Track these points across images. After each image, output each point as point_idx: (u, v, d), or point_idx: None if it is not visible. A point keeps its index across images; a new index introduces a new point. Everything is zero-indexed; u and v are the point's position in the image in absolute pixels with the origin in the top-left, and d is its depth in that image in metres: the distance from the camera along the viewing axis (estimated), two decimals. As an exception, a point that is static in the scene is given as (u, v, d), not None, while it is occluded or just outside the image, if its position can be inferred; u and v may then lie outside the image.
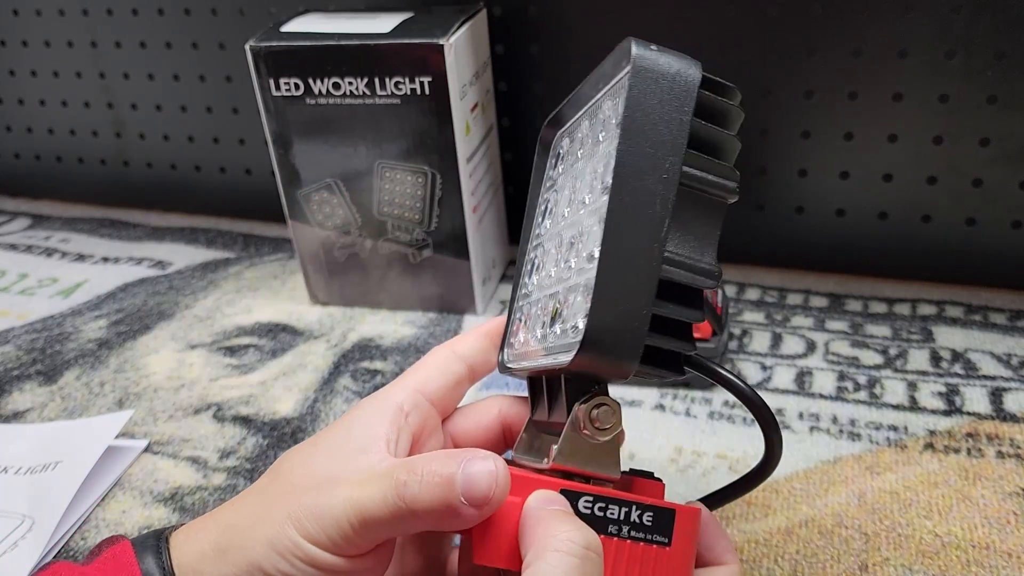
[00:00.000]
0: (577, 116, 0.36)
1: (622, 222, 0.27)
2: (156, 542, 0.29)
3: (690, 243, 0.29)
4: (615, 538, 0.29)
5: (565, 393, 0.30)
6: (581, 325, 0.28)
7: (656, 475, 0.33)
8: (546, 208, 0.37)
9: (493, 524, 0.28)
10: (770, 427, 0.31)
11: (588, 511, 0.29)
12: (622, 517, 0.29)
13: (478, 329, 0.36)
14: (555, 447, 0.30)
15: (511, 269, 0.69)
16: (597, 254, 0.28)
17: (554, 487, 0.29)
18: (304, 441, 0.32)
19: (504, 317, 0.37)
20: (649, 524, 0.30)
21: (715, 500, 0.35)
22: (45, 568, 0.30)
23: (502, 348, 0.36)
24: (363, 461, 0.30)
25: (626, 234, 0.27)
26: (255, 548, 0.28)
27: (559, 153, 0.37)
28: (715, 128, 0.29)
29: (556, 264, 0.33)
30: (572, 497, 0.29)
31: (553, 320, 0.32)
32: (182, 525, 0.31)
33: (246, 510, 0.30)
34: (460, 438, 0.35)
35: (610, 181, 0.27)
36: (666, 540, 0.30)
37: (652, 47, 0.28)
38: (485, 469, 0.27)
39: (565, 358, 0.28)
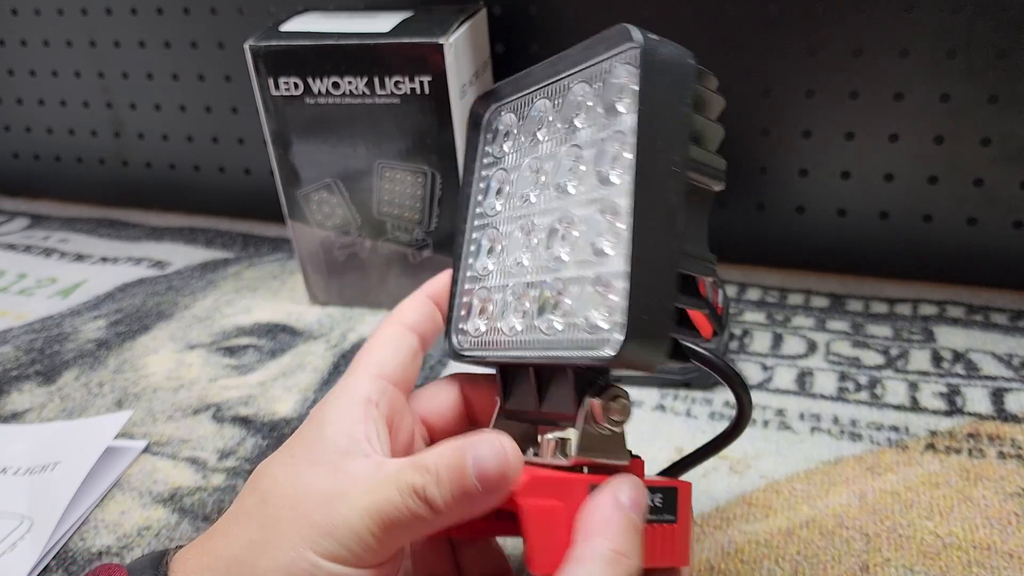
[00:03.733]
0: (524, 94, 0.35)
1: (647, 217, 0.27)
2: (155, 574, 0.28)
3: (692, 234, 0.29)
4: None
5: (575, 386, 0.30)
6: (603, 323, 0.29)
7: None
8: (489, 187, 0.36)
9: (545, 533, 0.28)
10: (736, 385, 0.32)
11: None
12: None
13: (419, 294, 0.36)
14: (572, 441, 0.30)
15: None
16: (608, 249, 0.29)
17: (582, 484, 0.29)
18: (278, 450, 0.31)
19: (442, 278, 0.37)
20: (660, 505, 0.31)
21: (679, 468, 0.36)
22: None
23: (449, 333, 0.36)
24: (354, 466, 0.29)
25: (652, 229, 0.27)
26: None
27: (499, 129, 0.36)
28: (703, 118, 0.29)
29: (530, 251, 0.33)
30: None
31: (542, 311, 0.31)
32: (178, 549, 0.30)
33: (245, 539, 0.28)
34: (427, 417, 0.35)
35: (615, 174, 0.28)
36: (673, 517, 0.31)
37: (650, 35, 0.28)
38: (493, 452, 0.27)
39: (589, 353, 0.28)
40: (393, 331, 0.34)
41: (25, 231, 0.82)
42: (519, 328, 0.33)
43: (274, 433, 0.51)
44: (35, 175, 0.88)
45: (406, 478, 0.27)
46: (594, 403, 0.30)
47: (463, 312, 0.36)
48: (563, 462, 0.30)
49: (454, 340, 0.36)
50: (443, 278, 0.37)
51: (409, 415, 0.34)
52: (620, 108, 0.30)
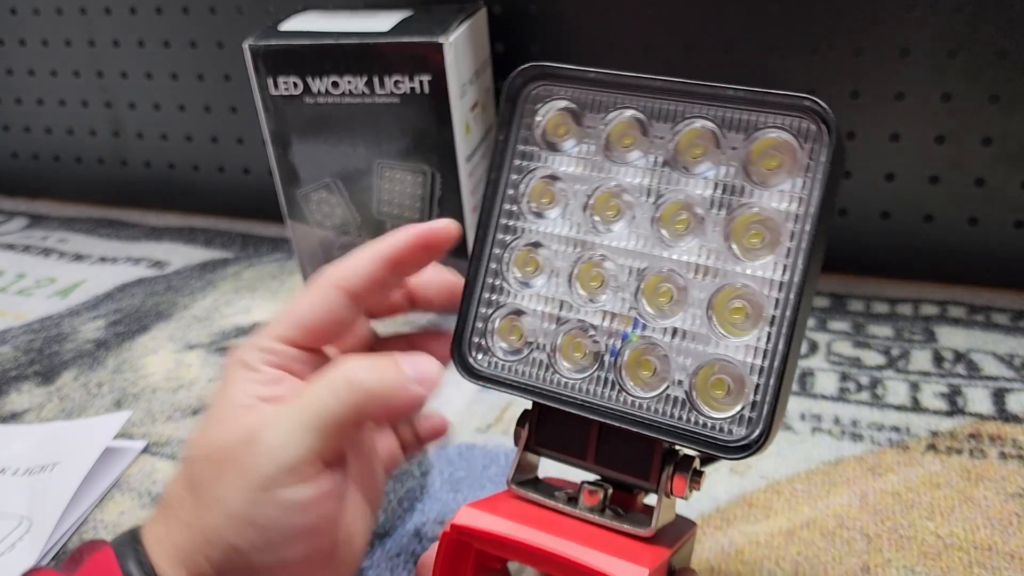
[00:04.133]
0: (598, 90, 0.30)
1: (802, 314, 0.27)
2: (134, 545, 0.29)
3: None
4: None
5: (657, 458, 0.29)
6: (728, 412, 0.28)
7: None
8: (526, 185, 0.32)
9: None
10: None
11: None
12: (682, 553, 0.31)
13: (367, 251, 0.33)
14: (654, 516, 0.29)
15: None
16: (748, 337, 0.28)
17: (665, 562, 0.29)
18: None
19: (395, 237, 0.32)
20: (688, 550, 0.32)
21: None
22: (27, 573, 0.29)
23: (461, 346, 0.32)
24: (261, 407, 0.30)
25: (801, 325, 0.27)
26: (223, 532, 0.28)
27: (544, 116, 0.31)
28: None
29: (608, 292, 0.30)
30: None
31: (621, 366, 0.30)
32: (149, 522, 0.30)
33: (189, 505, 0.29)
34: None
35: (761, 261, 0.27)
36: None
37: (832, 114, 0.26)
38: (426, 359, 0.30)
39: (708, 439, 0.28)
40: (320, 290, 0.32)
41: (24, 231, 0.82)
42: (581, 375, 0.30)
43: (273, 433, 0.51)
44: (34, 175, 0.88)
45: (333, 375, 0.28)
46: (678, 477, 0.29)
47: (480, 324, 0.32)
48: (643, 533, 0.29)
49: (469, 357, 0.32)
50: (397, 237, 0.33)
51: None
52: (773, 183, 0.28)
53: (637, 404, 0.29)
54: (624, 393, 0.29)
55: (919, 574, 0.38)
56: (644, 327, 0.29)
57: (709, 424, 0.28)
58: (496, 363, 0.32)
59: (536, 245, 0.32)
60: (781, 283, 0.27)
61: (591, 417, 0.29)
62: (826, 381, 0.52)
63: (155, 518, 0.30)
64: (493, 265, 0.32)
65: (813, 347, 0.55)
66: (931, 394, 0.50)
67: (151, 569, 0.28)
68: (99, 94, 0.80)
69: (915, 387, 0.51)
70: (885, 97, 0.57)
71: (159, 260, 0.74)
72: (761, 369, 0.27)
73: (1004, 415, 0.48)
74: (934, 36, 0.54)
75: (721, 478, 0.45)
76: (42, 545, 0.42)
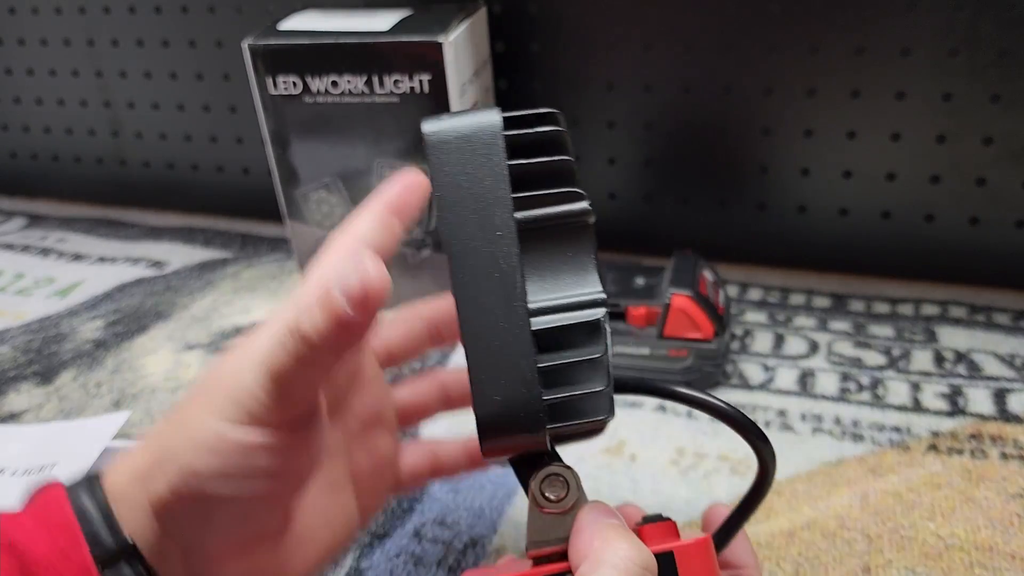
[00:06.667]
0: None
1: (470, 297, 0.27)
2: (89, 480, 0.29)
3: (561, 280, 0.28)
4: None
5: (514, 467, 0.29)
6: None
7: (666, 514, 0.30)
8: None
9: None
10: (759, 439, 0.31)
11: None
12: None
13: (377, 203, 0.33)
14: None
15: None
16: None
17: None
18: None
19: (402, 184, 0.34)
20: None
21: (724, 534, 0.34)
22: None
23: None
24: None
25: (479, 309, 0.27)
26: (183, 454, 0.28)
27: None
28: (537, 161, 0.28)
29: None
30: None
31: None
32: (115, 461, 0.31)
33: (163, 427, 0.30)
34: (386, 340, 0.37)
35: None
36: None
37: (443, 117, 0.28)
38: (355, 269, 0.26)
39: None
40: (347, 248, 0.33)
41: (23, 231, 0.82)
42: None
43: (273, 434, 0.51)
44: (33, 174, 0.88)
45: (283, 322, 0.28)
46: (532, 487, 0.28)
47: None
48: (519, 569, 0.28)
49: None
50: (403, 184, 0.33)
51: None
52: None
53: None
54: None
55: (920, 575, 0.38)
56: None
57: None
58: None
59: None
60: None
61: None
62: (827, 381, 0.52)
63: (124, 454, 0.30)
64: None
65: (814, 347, 0.55)
66: (932, 394, 0.50)
67: (103, 497, 0.28)
68: (98, 93, 0.79)
69: (916, 387, 0.51)
70: (886, 96, 0.57)
71: (158, 260, 0.74)
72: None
73: (1005, 415, 0.48)
74: (935, 35, 0.54)
75: (722, 479, 0.45)
76: (40, 546, 0.42)
